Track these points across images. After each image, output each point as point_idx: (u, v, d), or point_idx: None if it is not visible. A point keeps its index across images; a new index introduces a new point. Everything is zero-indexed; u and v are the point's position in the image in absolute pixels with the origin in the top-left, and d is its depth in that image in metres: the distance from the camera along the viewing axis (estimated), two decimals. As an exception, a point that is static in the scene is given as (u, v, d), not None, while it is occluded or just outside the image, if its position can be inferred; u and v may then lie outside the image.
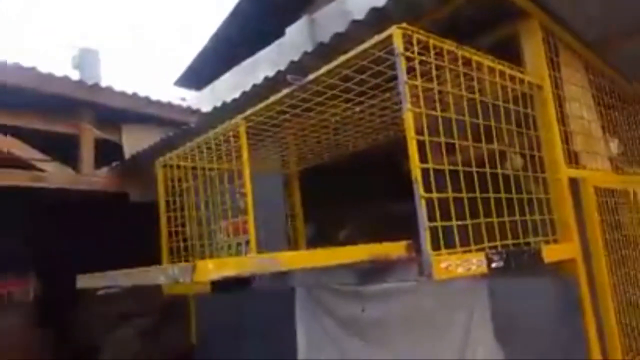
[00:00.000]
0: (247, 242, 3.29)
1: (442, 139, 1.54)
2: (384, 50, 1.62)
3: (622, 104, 3.00)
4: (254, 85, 2.86)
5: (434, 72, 1.58)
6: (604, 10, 2.40)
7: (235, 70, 7.29)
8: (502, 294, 2.03)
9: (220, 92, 6.96)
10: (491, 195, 1.68)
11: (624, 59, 2.85)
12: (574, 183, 2.10)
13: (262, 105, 2.04)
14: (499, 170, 1.77)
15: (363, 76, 1.89)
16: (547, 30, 2.23)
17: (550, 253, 1.83)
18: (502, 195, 1.73)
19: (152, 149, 3.78)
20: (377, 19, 2.20)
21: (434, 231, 1.38)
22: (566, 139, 2.18)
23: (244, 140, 2.06)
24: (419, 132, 1.49)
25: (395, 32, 1.48)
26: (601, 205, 2.14)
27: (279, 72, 2.69)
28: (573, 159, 2.19)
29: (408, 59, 1.51)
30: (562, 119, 2.19)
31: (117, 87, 4.20)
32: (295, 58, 2.59)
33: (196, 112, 5.03)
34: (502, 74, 1.88)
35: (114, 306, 5.24)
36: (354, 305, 2.58)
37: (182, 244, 3.12)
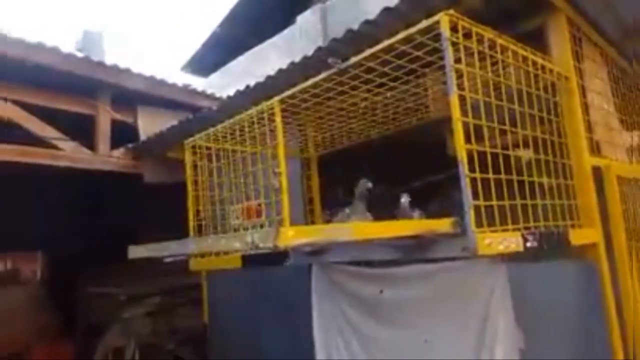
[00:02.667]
0: (261, 226, 3.35)
1: (484, 123, 1.61)
2: (427, 36, 1.68)
3: (637, 96, 3.09)
4: (280, 70, 2.92)
5: (476, 59, 1.64)
6: (627, 9, 2.48)
7: (244, 57, 7.31)
8: (522, 277, 2.09)
9: (230, 79, 6.98)
10: (525, 178, 1.76)
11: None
12: (595, 171, 2.19)
13: (299, 87, 2.10)
14: (531, 156, 1.85)
15: (401, 61, 1.95)
16: (572, 24, 2.30)
17: (576, 236, 1.92)
18: (536, 179, 1.81)
19: (171, 131, 3.83)
20: (410, 8, 2.26)
21: (477, 209, 1.46)
22: (589, 128, 2.26)
23: (279, 121, 2.11)
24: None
25: (443, 19, 1.54)
26: (622, 194, 2.22)
27: (305, 57, 2.74)
28: (595, 148, 2.27)
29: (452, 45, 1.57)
30: (586, 110, 2.27)
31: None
32: (306, 46, 2.64)
33: (210, 96, 5.07)
34: (534, 63, 1.95)
35: (123, 288, 5.30)
36: (373, 287, 2.64)
37: (197, 224, 3.16)
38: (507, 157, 1.76)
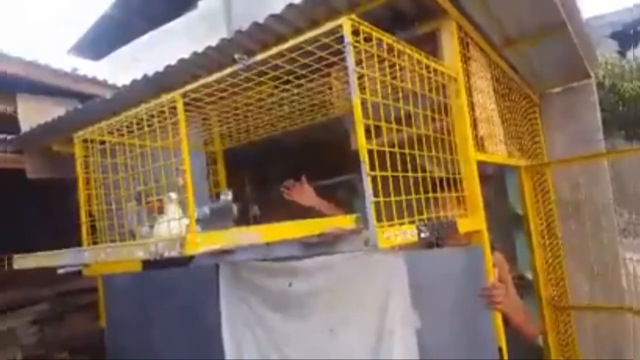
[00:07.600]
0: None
1: (384, 124, 1.70)
2: (330, 38, 1.71)
3: (513, 96, 3.49)
4: (181, 60, 2.79)
5: (376, 62, 1.72)
6: (506, 18, 2.78)
7: (138, 42, 6.83)
8: (417, 264, 2.27)
9: (123, 64, 6.49)
10: (419, 174, 1.90)
11: (518, 57, 3.33)
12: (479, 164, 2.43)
13: (202, 81, 2.02)
14: (425, 153, 2.00)
15: (307, 60, 1.97)
16: (461, 29, 2.51)
17: (463, 225, 2.13)
18: (427, 174, 1.96)
19: (58, 122, 3.46)
20: (312, 5, 2.29)
21: (377, 205, 1.54)
22: (474, 125, 2.50)
23: (182, 116, 2.01)
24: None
25: (346, 23, 1.58)
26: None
27: (209, 48, 2.65)
28: (479, 143, 2.52)
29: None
30: (472, 108, 2.51)
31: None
32: (208, 34, 2.58)
33: (100, 83, 4.67)
34: (427, 67, 2.09)
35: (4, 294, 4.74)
36: (282, 281, 2.68)
37: (89, 226, 2.93)
38: (403, 153, 1.88)
